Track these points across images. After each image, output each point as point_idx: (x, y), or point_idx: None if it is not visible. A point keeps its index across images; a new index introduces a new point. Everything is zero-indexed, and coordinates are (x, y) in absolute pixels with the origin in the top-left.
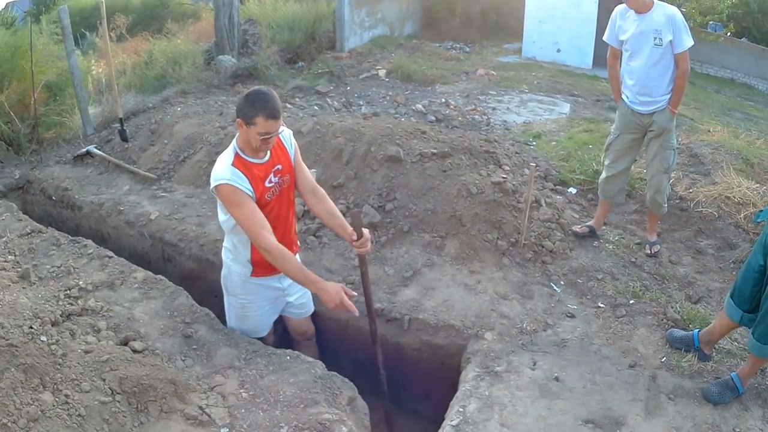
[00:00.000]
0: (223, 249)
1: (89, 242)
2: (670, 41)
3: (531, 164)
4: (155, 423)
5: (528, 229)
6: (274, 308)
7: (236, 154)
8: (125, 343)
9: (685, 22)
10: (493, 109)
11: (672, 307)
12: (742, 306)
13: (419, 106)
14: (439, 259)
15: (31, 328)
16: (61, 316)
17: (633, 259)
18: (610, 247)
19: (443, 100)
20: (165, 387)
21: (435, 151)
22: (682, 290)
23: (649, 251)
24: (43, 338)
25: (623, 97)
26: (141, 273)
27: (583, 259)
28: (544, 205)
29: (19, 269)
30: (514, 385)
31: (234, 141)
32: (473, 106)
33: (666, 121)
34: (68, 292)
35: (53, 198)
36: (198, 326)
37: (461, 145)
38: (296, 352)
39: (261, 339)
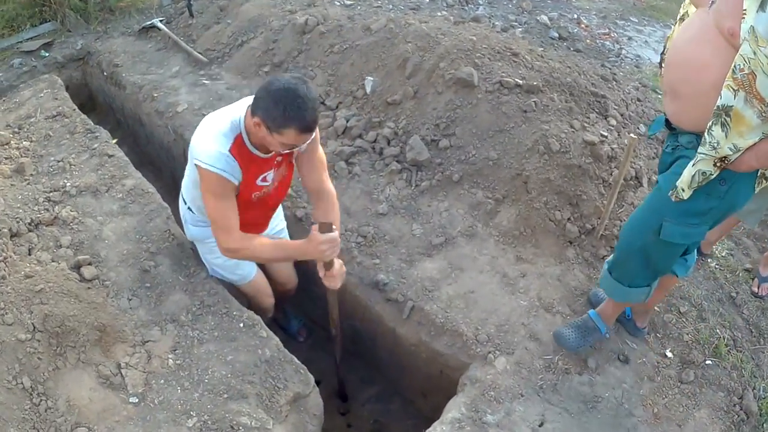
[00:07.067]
0: (188, 217)
1: (102, 134)
2: None
3: (634, 132)
4: (69, 372)
5: (612, 216)
6: None
7: (238, 138)
8: (78, 267)
9: None
10: (629, 38)
11: (753, 391)
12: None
13: (544, 18)
14: (485, 230)
15: None
16: (29, 224)
17: (734, 293)
18: (713, 264)
19: (575, 15)
20: (90, 333)
21: (520, 82)
22: None
23: (756, 289)
24: None
25: None
26: (131, 180)
27: None
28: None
29: (24, 159)
30: None
31: (241, 119)
32: (607, 31)
33: None
34: (51, 195)
35: (105, 73)
36: (162, 259)
37: (561, 80)
38: (256, 317)
39: (259, 295)
